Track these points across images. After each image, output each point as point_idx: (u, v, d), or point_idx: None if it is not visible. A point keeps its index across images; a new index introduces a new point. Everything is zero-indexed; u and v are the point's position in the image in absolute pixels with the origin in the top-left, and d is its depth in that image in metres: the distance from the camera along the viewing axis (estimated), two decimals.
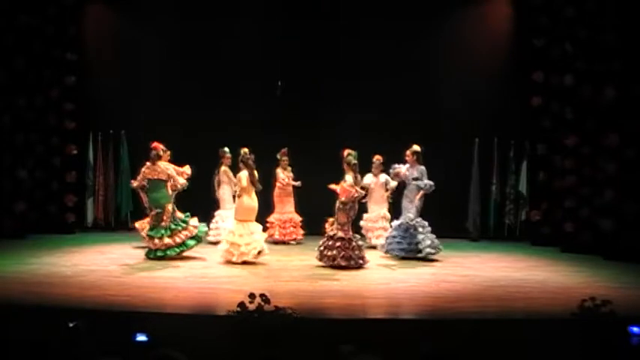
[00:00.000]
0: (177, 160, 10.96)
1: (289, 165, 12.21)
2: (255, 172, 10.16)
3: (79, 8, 12.93)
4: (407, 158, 10.62)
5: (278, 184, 12.05)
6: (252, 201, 10.12)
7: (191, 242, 10.30)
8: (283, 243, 11.90)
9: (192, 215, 10.50)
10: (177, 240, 10.16)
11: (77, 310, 6.66)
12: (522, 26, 12.60)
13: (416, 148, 10.58)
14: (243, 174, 10.08)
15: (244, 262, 9.83)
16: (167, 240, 10.08)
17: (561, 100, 11.79)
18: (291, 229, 12.12)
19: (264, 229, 10.86)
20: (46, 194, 12.52)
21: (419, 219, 10.50)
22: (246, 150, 10.24)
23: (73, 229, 12.72)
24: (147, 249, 10.32)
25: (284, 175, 12.08)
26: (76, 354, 5.17)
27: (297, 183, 12.15)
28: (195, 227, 10.39)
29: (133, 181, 10.82)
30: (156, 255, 10.06)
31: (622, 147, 10.83)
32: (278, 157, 12.06)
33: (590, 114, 11.24)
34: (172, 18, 12.90)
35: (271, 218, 12.05)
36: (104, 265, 9.60)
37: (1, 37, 11.88)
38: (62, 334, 5.66)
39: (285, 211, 12.15)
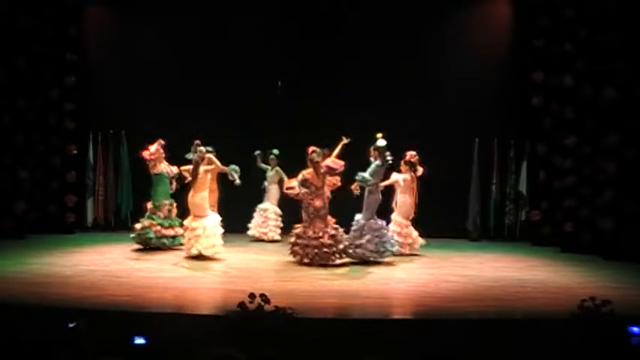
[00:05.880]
0: (176, 161, 11.00)
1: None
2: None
3: (79, 8, 12.95)
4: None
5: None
6: None
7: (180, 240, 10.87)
8: None
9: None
10: (172, 233, 10.94)
11: (77, 310, 6.65)
12: (522, 26, 12.60)
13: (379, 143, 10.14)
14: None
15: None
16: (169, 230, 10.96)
17: (561, 100, 11.79)
18: None
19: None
20: (46, 194, 12.52)
21: (370, 220, 10.04)
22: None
23: (73, 229, 12.73)
24: (148, 234, 10.77)
25: None
26: (76, 354, 5.16)
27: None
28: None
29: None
30: (165, 242, 10.86)
31: (622, 147, 10.83)
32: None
33: (590, 114, 11.23)
34: (172, 18, 12.91)
35: None
36: (104, 265, 9.59)
37: (1, 37, 11.87)
38: (62, 334, 5.65)
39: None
